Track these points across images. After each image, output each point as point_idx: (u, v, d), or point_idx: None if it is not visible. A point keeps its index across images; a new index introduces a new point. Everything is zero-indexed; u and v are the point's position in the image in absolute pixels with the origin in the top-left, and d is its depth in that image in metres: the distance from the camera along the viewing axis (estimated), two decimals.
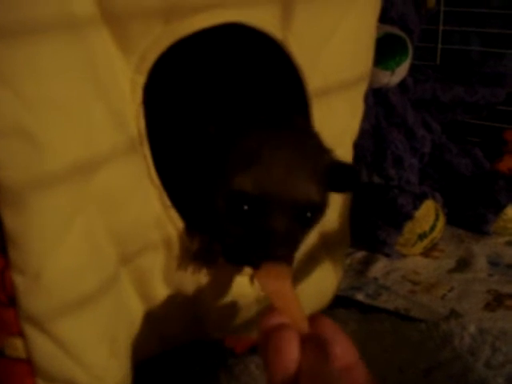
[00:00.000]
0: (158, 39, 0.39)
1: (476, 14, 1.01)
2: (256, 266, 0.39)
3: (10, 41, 0.32)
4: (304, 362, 0.31)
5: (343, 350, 0.33)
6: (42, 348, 0.39)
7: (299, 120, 0.47)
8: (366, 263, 0.79)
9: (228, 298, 0.49)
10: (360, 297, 0.71)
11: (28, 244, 0.36)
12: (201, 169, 0.44)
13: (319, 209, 0.43)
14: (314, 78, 0.47)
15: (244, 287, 0.49)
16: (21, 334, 0.39)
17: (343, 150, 0.53)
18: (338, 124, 0.51)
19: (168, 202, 0.43)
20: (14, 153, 0.33)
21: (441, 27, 1.03)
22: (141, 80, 0.40)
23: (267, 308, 0.34)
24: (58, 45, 0.34)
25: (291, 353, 0.31)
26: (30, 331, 0.38)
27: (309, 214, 0.42)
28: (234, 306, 0.50)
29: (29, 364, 0.40)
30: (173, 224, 0.44)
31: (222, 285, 0.49)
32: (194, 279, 0.47)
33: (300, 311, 0.34)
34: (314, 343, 0.32)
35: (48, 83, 0.34)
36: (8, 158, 0.33)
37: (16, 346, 0.39)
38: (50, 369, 0.40)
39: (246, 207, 0.41)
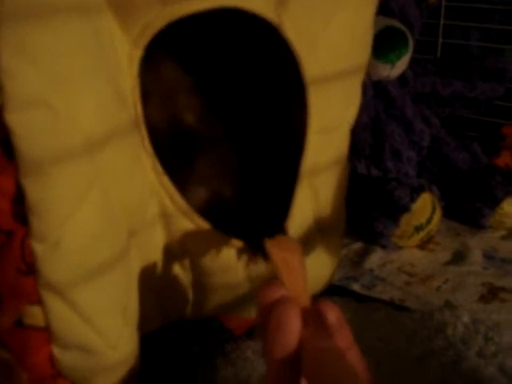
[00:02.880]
0: (155, 18, 0.41)
1: (477, 10, 1.02)
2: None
3: (33, 22, 0.34)
4: (306, 336, 0.30)
5: (343, 334, 0.32)
6: (60, 315, 0.40)
7: None
8: (363, 254, 0.80)
9: (217, 273, 0.50)
10: (356, 287, 0.71)
11: (48, 212, 0.37)
12: None
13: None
14: (312, 65, 0.48)
15: (232, 261, 0.50)
16: (40, 303, 0.40)
17: (340, 136, 0.54)
18: (334, 111, 0.52)
19: (160, 170, 0.45)
20: (36, 124, 0.35)
21: (442, 21, 1.03)
22: (138, 53, 0.42)
23: (266, 282, 0.34)
24: (72, 24, 0.36)
25: (293, 327, 0.30)
26: (49, 298, 0.40)
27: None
28: (224, 283, 0.51)
29: (46, 332, 0.41)
30: (165, 191, 0.46)
31: (211, 258, 0.50)
32: (191, 253, 0.48)
33: (304, 285, 0.34)
34: (316, 318, 0.31)
35: (65, 59, 0.36)
36: (31, 129, 0.35)
37: (35, 315, 0.40)
38: (67, 335, 0.41)
39: None
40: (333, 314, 0.31)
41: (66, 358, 0.42)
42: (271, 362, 0.30)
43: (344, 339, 0.31)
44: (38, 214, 0.37)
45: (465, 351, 0.52)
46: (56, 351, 0.42)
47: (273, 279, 0.34)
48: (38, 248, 0.38)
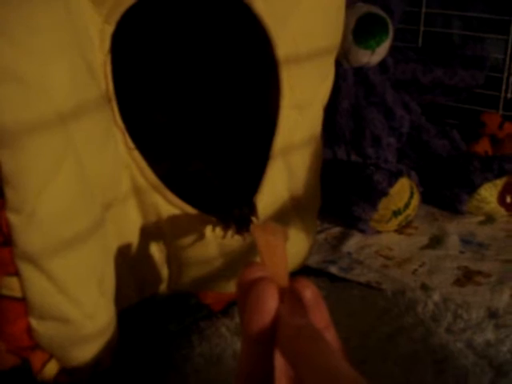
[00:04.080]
0: None
1: None
2: None
3: None
4: (282, 314, 0.30)
5: (320, 312, 0.33)
6: (37, 285, 0.41)
7: None
8: (341, 238, 0.80)
9: (190, 248, 0.51)
10: (333, 270, 0.72)
11: (23, 183, 0.38)
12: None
13: None
14: (284, 43, 0.48)
15: (205, 236, 0.51)
16: (17, 274, 0.40)
17: (313, 113, 0.55)
18: (307, 88, 0.53)
19: (131, 144, 0.46)
20: (8, 97, 0.36)
21: (423, 10, 1.04)
22: (109, 29, 0.43)
23: (242, 261, 0.35)
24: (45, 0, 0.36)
25: (270, 307, 0.30)
26: (26, 269, 0.40)
27: None
28: (197, 257, 0.52)
29: (23, 303, 0.41)
30: (136, 165, 0.47)
31: (182, 233, 0.50)
32: (164, 228, 0.49)
33: (285, 269, 0.34)
34: (293, 297, 0.31)
35: (37, 33, 0.36)
36: (4, 102, 0.36)
37: (12, 286, 0.41)
38: (44, 306, 0.42)
39: None
40: (309, 291, 0.32)
41: (43, 329, 0.43)
42: (247, 339, 0.31)
43: (320, 317, 0.32)
44: (13, 185, 0.38)
45: (434, 328, 0.53)
46: (33, 322, 0.42)
47: (253, 261, 0.35)
48: (14, 219, 0.39)
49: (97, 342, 0.46)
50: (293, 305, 0.31)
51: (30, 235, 0.39)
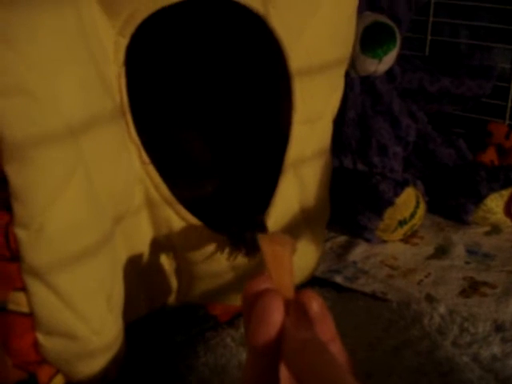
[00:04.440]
0: (141, 6, 0.41)
1: (466, 7, 1.02)
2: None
3: (11, 6, 0.34)
4: (287, 326, 0.30)
5: (326, 325, 0.33)
6: (44, 301, 0.41)
7: None
8: (347, 247, 0.80)
9: (201, 263, 0.51)
10: (338, 279, 0.72)
11: (31, 198, 0.38)
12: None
13: None
14: (297, 56, 0.48)
15: (215, 251, 0.51)
16: (24, 289, 0.40)
17: (323, 126, 0.55)
18: (318, 102, 0.53)
19: (146, 159, 0.46)
20: (17, 111, 0.35)
21: (431, 19, 1.03)
22: (124, 42, 0.42)
23: (252, 275, 0.35)
24: (52, 9, 0.36)
25: (275, 319, 0.30)
26: (33, 284, 0.40)
27: None
28: (208, 271, 0.52)
29: (30, 318, 0.41)
30: (151, 180, 0.46)
31: (193, 248, 0.50)
32: (175, 242, 0.49)
33: (291, 280, 0.34)
34: (299, 309, 0.31)
35: (46, 44, 0.36)
36: (12, 115, 0.35)
37: (19, 301, 0.41)
38: (51, 321, 0.42)
39: None
40: (315, 304, 0.32)
41: (50, 344, 0.43)
42: (252, 351, 0.31)
43: (326, 329, 0.32)
44: (22, 200, 0.37)
45: (440, 341, 0.53)
46: (40, 337, 0.42)
47: (260, 272, 0.34)
48: (22, 234, 0.38)
49: (104, 357, 0.46)
50: (298, 317, 0.31)
51: (37, 250, 0.39)
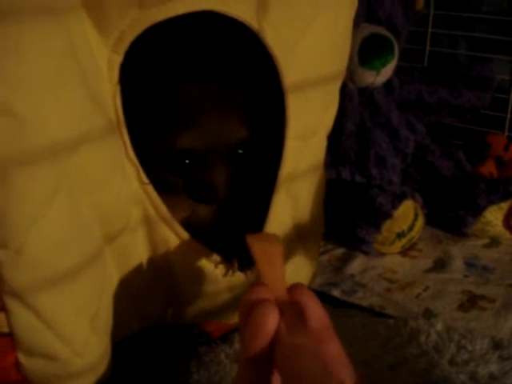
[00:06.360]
0: (134, 22, 0.40)
1: (465, 19, 1.02)
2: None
3: None
4: (281, 332, 0.31)
5: (320, 322, 0.33)
6: (24, 322, 0.40)
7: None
8: (345, 260, 0.80)
9: (197, 283, 0.50)
10: (336, 293, 0.72)
11: (10, 218, 0.36)
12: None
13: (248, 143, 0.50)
14: (291, 71, 0.48)
15: (213, 273, 0.50)
16: (4, 309, 0.39)
17: (317, 142, 0.54)
18: (312, 117, 0.52)
19: (145, 179, 0.45)
20: None
21: (429, 30, 1.04)
22: (118, 59, 0.41)
23: (248, 287, 0.34)
24: (39, 27, 0.35)
25: (269, 328, 0.31)
26: (13, 305, 0.39)
27: (240, 151, 0.50)
28: (204, 292, 0.51)
29: (11, 339, 0.40)
30: (150, 200, 0.46)
31: (190, 268, 0.50)
32: (171, 262, 0.49)
33: (282, 275, 0.34)
34: (292, 312, 0.32)
35: (31, 63, 0.35)
36: None
37: (0, 321, 0.40)
38: (32, 343, 0.41)
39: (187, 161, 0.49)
40: (305, 297, 0.33)
41: (32, 364, 0.42)
42: (246, 358, 0.31)
43: (321, 329, 0.33)
44: (1, 219, 0.36)
45: (437, 359, 0.52)
46: (21, 357, 0.41)
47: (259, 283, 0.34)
48: (1, 254, 0.37)
49: (87, 378, 0.45)
50: (293, 319, 0.31)
51: (17, 271, 0.38)
